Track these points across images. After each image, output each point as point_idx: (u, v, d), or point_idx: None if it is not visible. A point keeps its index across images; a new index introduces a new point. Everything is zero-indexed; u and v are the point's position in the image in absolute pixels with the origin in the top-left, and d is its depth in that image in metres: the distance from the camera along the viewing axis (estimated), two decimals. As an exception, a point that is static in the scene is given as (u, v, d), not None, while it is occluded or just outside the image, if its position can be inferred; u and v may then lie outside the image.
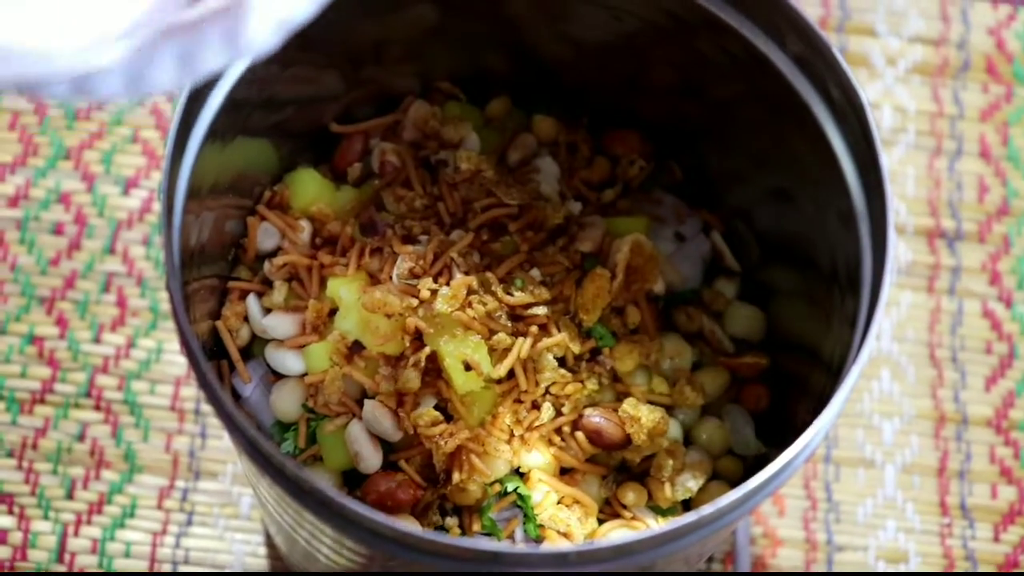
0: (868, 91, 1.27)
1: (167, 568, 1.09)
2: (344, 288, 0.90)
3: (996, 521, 1.14)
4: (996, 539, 1.14)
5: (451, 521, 0.90)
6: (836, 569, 1.13)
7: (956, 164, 1.25)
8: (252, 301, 0.94)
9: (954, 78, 1.28)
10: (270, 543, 1.10)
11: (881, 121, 1.26)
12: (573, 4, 0.93)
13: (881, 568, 1.13)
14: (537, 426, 0.90)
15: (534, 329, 0.90)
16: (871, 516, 1.14)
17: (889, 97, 1.27)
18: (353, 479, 0.91)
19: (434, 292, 0.89)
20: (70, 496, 1.10)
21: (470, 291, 0.89)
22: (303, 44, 0.89)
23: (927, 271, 1.21)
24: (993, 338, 1.20)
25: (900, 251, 1.22)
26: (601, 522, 0.91)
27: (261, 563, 1.10)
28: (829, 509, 1.14)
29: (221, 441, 1.13)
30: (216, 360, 0.93)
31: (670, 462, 0.91)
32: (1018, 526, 1.14)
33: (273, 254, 0.95)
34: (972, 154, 1.25)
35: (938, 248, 1.22)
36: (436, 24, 0.95)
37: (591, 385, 0.91)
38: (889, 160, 1.25)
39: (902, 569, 1.13)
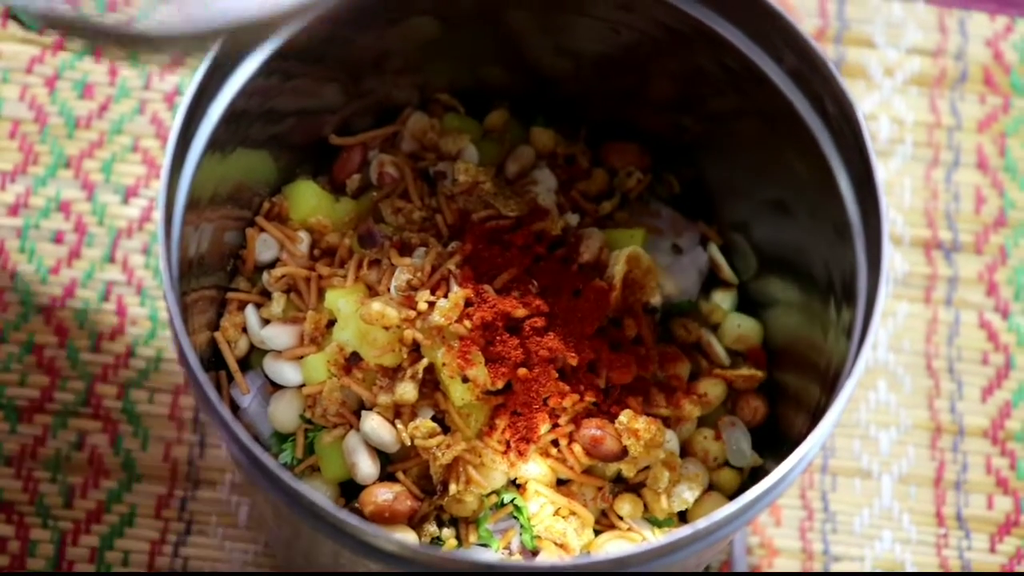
0: (865, 102, 1.27)
1: (165, 576, 1.10)
2: (342, 300, 0.91)
3: (992, 532, 1.15)
4: (992, 550, 1.14)
5: (448, 532, 0.90)
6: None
7: (953, 175, 1.25)
8: (250, 312, 0.94)
9: (951, 89, 1.28)
10: (268, 552, 1.11)
11: (878, 132, 1.26)
12: (572, 17, 0.93)
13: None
14: (534, 438, 0.90)
15: (532, 340, 0.90)
16: (867, 526, 1.14)
17: (886, 108, 1.27)
18: (350, 490, 0.91)
19: (432, 304, 0.89)
20: (68, 504, 1.10)
21: (468, 303, 0.89)
22: (304, 57, 0.89)
23: (924, 282, 1.22)
24: (990, 349, 1.20)
25: (897, 262, 1.22)
26: (597, 533, 0.92)
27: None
28: (826, 519, 1.14)
29: (220, 450, 1.13)
30: (214, 371, 0.94)
31: (666, 474, 0.91)
32: (1014, 536, 1.15)
33: (272, 265, 0.96)
34: (969, 165, 1.26)
35: (935, 259, 1.22)
36: (435, 37, 0.95)
37: (588, 397, 0.91)
38: (886, 171, 1.25)
39: None
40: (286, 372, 0.92)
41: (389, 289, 0.91)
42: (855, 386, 0.80)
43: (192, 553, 1.10)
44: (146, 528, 1.10)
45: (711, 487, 0.95)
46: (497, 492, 0.90)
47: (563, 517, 0.90)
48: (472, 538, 0.90)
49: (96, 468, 1.11)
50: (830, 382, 0.86)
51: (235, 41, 0.68)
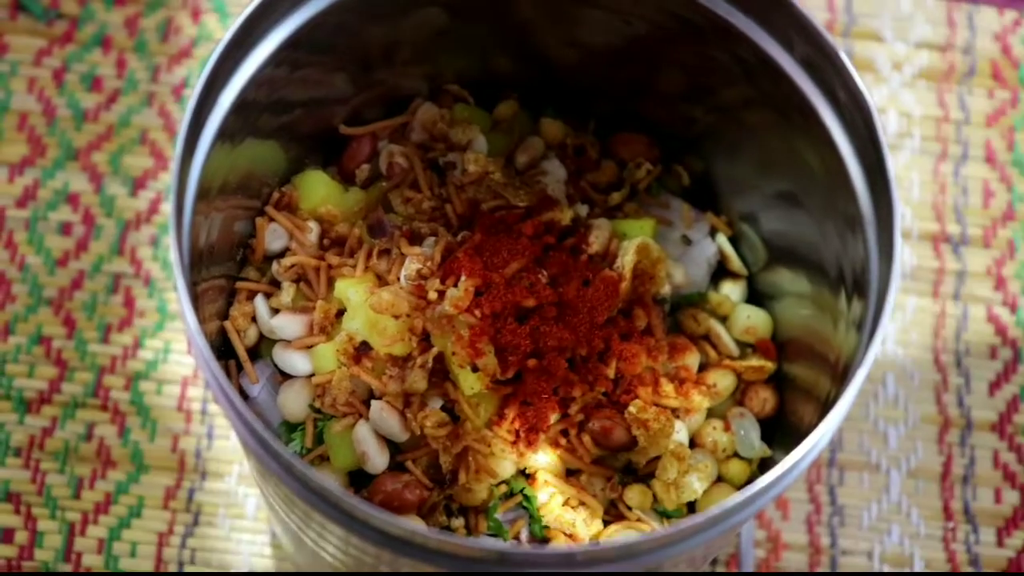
0: (874, 96, 1.27)
1: (173, 568, 1.09)
2: (352, 289, 0.91)
3: (1000, 525, 1.15)
4: (1000, 543, 1.14)
5: (457, 522, 0.90)
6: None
7: (961, 169, 1.25)
8: (260, 302, 0.94)
9: (960, 83, 1.28)
10: (276, 543, 1.11)
11: (887, 126, 1.26)
12: (581, 8, 0.93)
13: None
14: (544, 428, 0.90)
15: (541, 330, 0.90)
16: (875, 520, 1.14)
17: (895, 102, 1.27)
18: (360, 479, 0.91)
19: (441, 293, 0.89)
20: (76, 496, 1.11)
21: (478, 292, 0.89)
22: (313, 47, 0.89)
23: (932, 276, 1.22)
24: (997, 343, 1.20)
25: (905, 255, 1.22)
26: (606, 524, 0.92)
27: (267, 563, 1.10)
28: (833, 513, 1.14)
29: (227, 441, 1.13)
30: (224, 360, 0.94)
31: (675, 464, 0.91)
32: (1022, 530, 1.15)
33: (281, 255, 0.96)
34: (977, 159, 1.26)
35: (943, 253, 1.22)
36: (445, 27, 0.95)
37: (598, 387, 0.91)
38: (895, 165, 1.25)
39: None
40: (296, 362, 0.91)
41: (399, 278, 0.91)
42: (864, 379, 0.79)
43: (199, 544, 1.10)
44: (154, 519, 1.11)
45: (720, 478, 0.95)
46: (506, 482, 0.90)
47: (572, 507, 0.90)
48: (481, 528, 0.90)
49: (104, 459, 1.11)
50: (840, 374, 0.86)
51: None
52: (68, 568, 1.09)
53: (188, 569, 1.10)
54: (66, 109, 1.22)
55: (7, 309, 1.15)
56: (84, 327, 1.15)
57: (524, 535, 0.90)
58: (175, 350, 1.15)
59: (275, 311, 0.93)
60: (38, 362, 1.14)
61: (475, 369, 0.88)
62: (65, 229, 1.18)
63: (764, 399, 0.96)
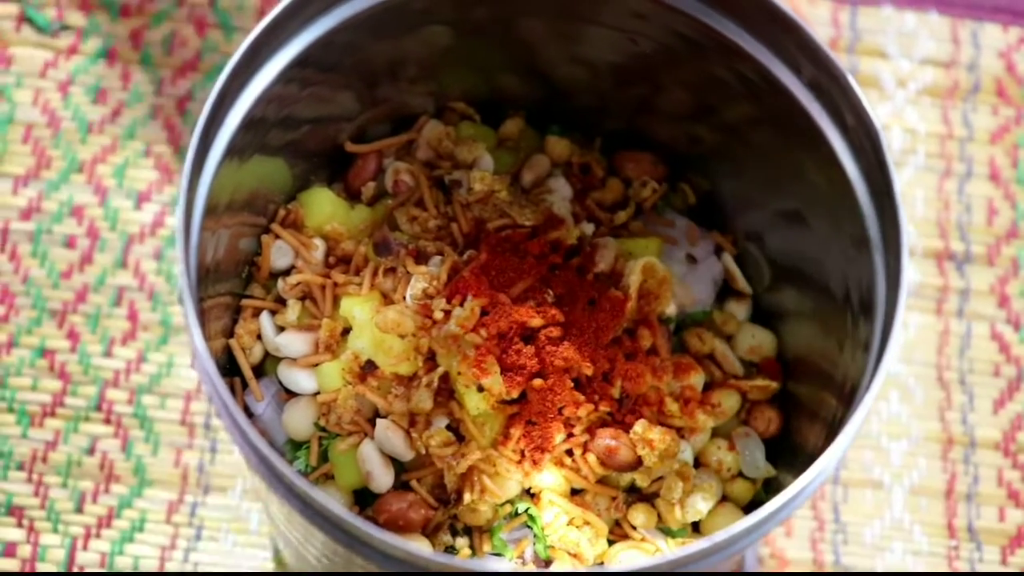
0: (878, 112, 1.27)
1: (175, 582, 1.09)
2: (357, 307, 0.91)
3: (1003, 544, 1.14)
4: (1003, 562, 1.14)
5: (461, 541, 0.90)
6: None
7: (966, 186, 1.25)
8: (265, 319, 0.94)
9: (964, 100, 1.28)
10: (279, 559, 1.11)
11: (891, 143, 1.26)
12: (587, 27, 0.93)
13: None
14: (549, 447, 0.90)
15: (547, 350, 0.90)
16: (879, 538, 1.14)
17: (899, 119, 1.27)
18: (364, 498, 0.91)
19: (447, 313, 0.89)
20: (79, 510, 1.10)
21: (483, 312, 0.89)
22: (322, 65, 0.89)
23: (936, 293, 1.22)
24: (1001, 361, 1.20)
25: (909, 273, 1.22)
26: (611, 543, 0.92)
27: (269, 579, 1.10)
28: (837, 530, 1.14)
29: (231, 456, 1.13)
30: (229, 378, 0.94)
31: (680, 484, 0.91)
32: (1025, 549, 1.15)
33: (287, 272, 0.96)
34: (982, 176, 1.26)
35: (947, 270, 1.22)
36: (451, 45, 0.95)
37: (603, 407, 0.91)
38: (899, 182, 1.25)
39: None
40: (301, 380, 0.91)
41: (405, 297, 0.91)
42: (872, 401, 0.79)
43: (202, 559, 1.10)
44: (156, 534, 1.10)
45: (724, 498, 0.95)
46: (511, 501, 0.90)
47: (577, 527, 0.90)
48: (486, 547, 0.90)
49: (107, 473, 1.11)
50: (846, 395, 0.86)
51: None
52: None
53: (191, 584, 1.10)
54: (71, 122, 1.22)
55: (11, 322, 1.15)
56: (88, 340, 1.15)
57: (528, 554, 0.90)
58: (178, 364, 1.15)
59: (280, 329, 0.93)
60: (42, 375, 1.14)
61: (480, 389, 0.88)
62: (69, 242, 1.18)
63: (769, 419, 0.96)
